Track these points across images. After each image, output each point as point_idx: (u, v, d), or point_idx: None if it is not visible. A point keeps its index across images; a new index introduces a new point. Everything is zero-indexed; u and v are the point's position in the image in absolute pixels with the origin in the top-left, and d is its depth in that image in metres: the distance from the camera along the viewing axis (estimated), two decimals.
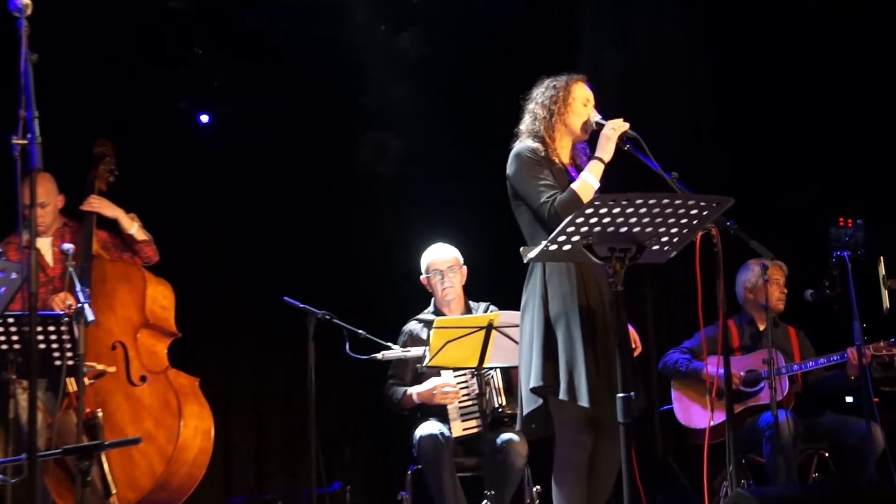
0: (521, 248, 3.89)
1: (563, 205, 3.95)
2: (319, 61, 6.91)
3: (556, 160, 4.19)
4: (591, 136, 4.21)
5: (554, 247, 3.52)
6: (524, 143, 4.21)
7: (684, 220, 3.51)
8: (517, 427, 4.20)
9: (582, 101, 4.21)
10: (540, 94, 4.24)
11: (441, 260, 5.69)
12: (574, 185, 4.02)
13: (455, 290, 5.66)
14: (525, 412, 4.09)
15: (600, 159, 4.06)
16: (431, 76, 7.04)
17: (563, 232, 3.46)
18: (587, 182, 4.02)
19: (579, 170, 4.13)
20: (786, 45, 7.02)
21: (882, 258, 5.47)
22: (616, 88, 6.92)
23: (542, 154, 4.16)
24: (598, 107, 4.27)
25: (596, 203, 3.36)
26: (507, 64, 6.92)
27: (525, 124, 4.27)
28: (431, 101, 7.02)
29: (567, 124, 4.20)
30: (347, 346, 5.15)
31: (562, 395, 3.92)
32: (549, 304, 4.04)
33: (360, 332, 5.25)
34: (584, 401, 3.89)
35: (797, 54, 7.01)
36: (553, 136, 4.19)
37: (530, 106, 4.27)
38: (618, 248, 3.53)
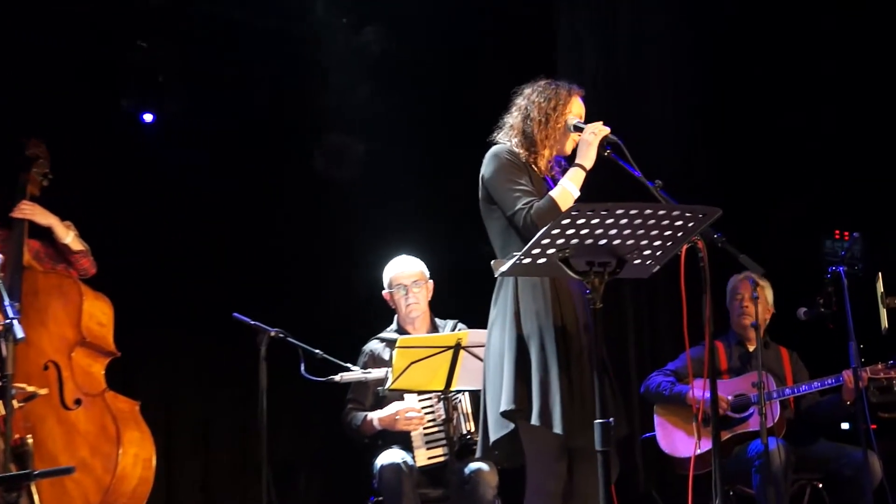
0: (493, 262, 3.89)
1: (541, 213, 3.96)
2: (275, 56, 6.91)
3: (536, 168, 4.21)
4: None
5: (528, 260, 3.52)
6: (505, 143, 4.23)
7: (668, 232, 3.53)
8: (477, 454, 4.20)
9: (577, 116, 4.24)
10: (536, 94, 4.24)
11: (405, 274, 5.69)
12: (553, 193, 4.03)
13: (420, 306, 5.66)
14: (492, 438, 4.08)
15: (581, 166, 4.08)
16: (397, 74, 7.06)
17: (537, 244, 3.47)
18: (567, 190, 4.04)
19: (556, 182, 4.16)
20: (777, 43, 7.11)
21: (880, 274, 5.51)
22: (596, 90, 6.98)
23: (523, 159, 4.18)
24: None
25: (573, 213, 3.37)
26: (479, 62, 6.98)
27: (514, 119, 4.26)
28: (396, 101, 7.03)
29: (557, 134, 4.22)
30: (303, 367, 5.14)
31: (534, 420, 3.92)
32: (521, 321, 4.05)
33: (317, 351, 5.24)
34: (557, 427, 3.89)
35: (790, 52, 7.09)
36: (541, 141, 4.20)
37: (522, 102, 4.27)
38: (597, 262, 3.54)
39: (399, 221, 6.89)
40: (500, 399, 4.00)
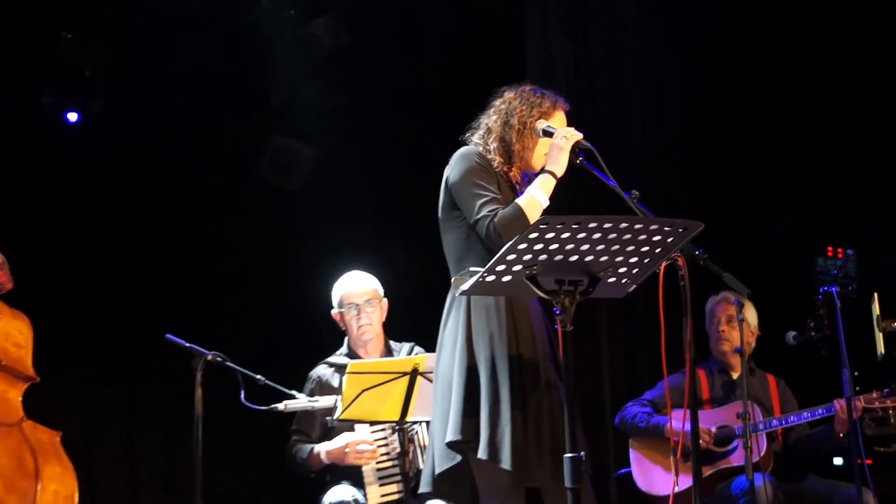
0: (454, 279, 3.90)
1: (505, 222, 3.96)
2: (215, 51, 6.89)
3: (509, 178, 4.23)
4: None
5: (491, 278, 3.53)
6: (478, 145, 4.25)
7: (646, 248, 3.55)
8: (422, 488, 4.20)
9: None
10: (520, 100, 4.26)
11: (357, 291, 5.68)
12: (520, 201, 4.04)
13: (373, 327, 5.66)
14: (437, 470, 4.07)
15: (552, 173, 4.09)
16: (350, 72, 7.07)
17: (501, 260, 3.47)
18: (535, 198, 4.05)
19: None
20: (766, 45, 7.20)
21: (876, 295, 5.53)
22: (568, 93, 6.97)
23: (496, 167, 4.20)
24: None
25: (542, 226, 3.38)
26: (441, 59, 6.99)
27: (491, 122, 4.27)
28: (350, 101, 7.05)
29: (534, 147, 4.23)
30: (243, 395, 5.11)
31: (481, 454, 3.92)
32: (472, 345, 4.06)
33: (259, 377, 5.21)
34: (506, 463, 3.89)
35: (779, 55, 7.18)
36: (518, 152, 4.22)
37: (502, 106, 4.28)
38: (567, 281, 3.55)
39: (352, 234, 6.89)
40: (447, 428, 4.00)
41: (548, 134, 4.18)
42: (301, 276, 6.90)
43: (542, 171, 4.14)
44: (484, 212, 4.02)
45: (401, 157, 7.00)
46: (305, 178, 7.21)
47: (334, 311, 5.73)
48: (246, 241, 7.08)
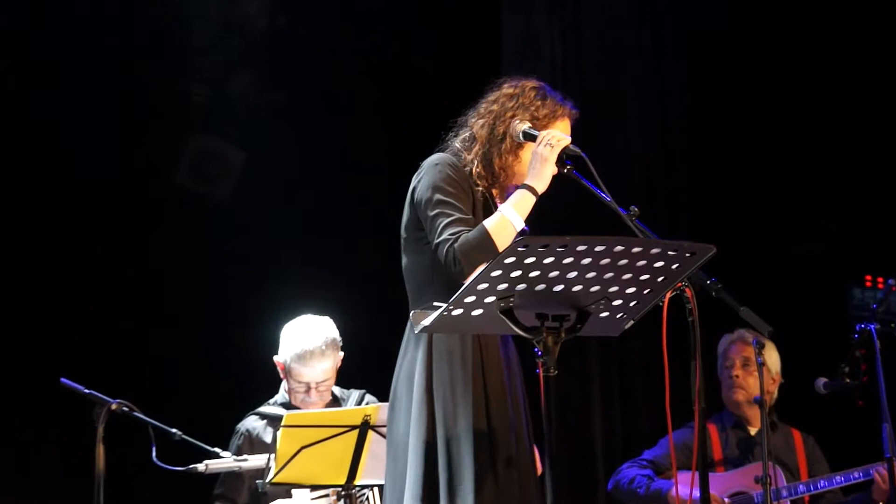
0: (413, 313, 3.89)
1: (467, 248, 3.95)
2: (126, 32, 6.89)
3: (489, 198, 4.24)
4: None
5: (458, 311, 3.51)
6: (455, 153, 4.26)
7: (646, 276, 3.54)
8: None
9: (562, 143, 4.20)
10: (514, 101, 4.27)
11: (314, 372, 5.59)
12: (488, 223, 4.01)
13: (320, 404, 5.65)
14: None
15: (531, 188, 4.07)
16: (290, 59, 7.08)
17: (471, 290, 3.45)
18: (507, 220, 4.02)
19: None
20: (793, 34, 7.28)
21: None
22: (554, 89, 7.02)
23: (475, 181, 4.20)
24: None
25: (521, 248, 3.36)
26: (401, 43, 7.02)
27: (477, 127, 4.28)
28: (289, 95, 7.06)
29: (522, 156, 4.23)
30: (154, 452, 5.07)
31: None
32: (433, 395, 4.07)
33: (174, 430, 5.19)
34: None
35: (807, 45, 7.26)
36: (505, 167, 4.23)
37: (494, 105, 4.28)
38: (550, 316, 3.54)
39: (293, 256, 6.90)
40: (402, 495, 4.03)
41: (529, 137, 4.17)
42: (229, 307, 6.89)
43: (519, 186, 4.12)
44: (446, 234, 4.02)
45: (354, 162, 7.01)
46: (234, 188, 7.18)
47: (276, 358, 5.71)
48: (160, 264, 7.03)
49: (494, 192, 4.26)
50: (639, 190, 6.82)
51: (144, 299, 6.99)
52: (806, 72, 7.18)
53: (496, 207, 4.18)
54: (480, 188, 4.20)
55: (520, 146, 4.21)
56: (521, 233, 4.02)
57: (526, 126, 4.19)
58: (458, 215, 4.06)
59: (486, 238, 3.96)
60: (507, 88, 4.30)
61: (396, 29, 7.17)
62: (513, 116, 4.22)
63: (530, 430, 4.16)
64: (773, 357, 6.00)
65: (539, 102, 4.26)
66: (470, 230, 4.02)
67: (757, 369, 5.50)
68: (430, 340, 4.09)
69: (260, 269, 6.90)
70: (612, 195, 3.96)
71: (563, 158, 4.07)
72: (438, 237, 4.02)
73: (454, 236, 4.00)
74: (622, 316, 3.69)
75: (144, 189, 7.05)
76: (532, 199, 4.07)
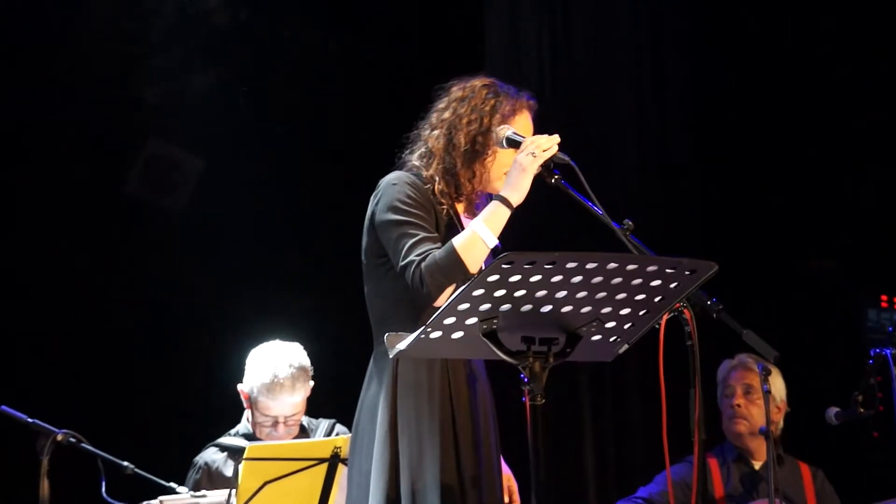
0: (387, 336, 3.87)
1: (435, 269, 3.97)
2: (69, 26, 6.90)
3: (454, 215, 4.25)
4: None
5: (437, 334, 3.51)
6: (414, 169, 4.27)
7: (642, 296, 3.55)
8: None
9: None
10: (469, 106, 4.27)
11: (283, 406, 5.61)
12: (457, 240, 4.00)
13: (292, 431, 5.66)
14: None
15: (505, 201, 4.06)
16: (253, 58, 7.10)
17: (451, 311, 3.45)
18: (477, 236, 4.00)
19: None
20: (806, 30, 7.34)
21: None
22: (542, 89, 7.02)
23: (439, 199, 4.21)
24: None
25: (505, 266, 3.35)
26: (376, 40, 7.04)
27: (433, 139, 4.28)
28: (251, 97, 7.08)
29: (493, 164, 4.24)
30: (104, 487, 5.08)
31: None
32: (397, 431, 4.09)
33: (126, 463, 5.19)
34: None
35: (822, 43, 7.33)
36: (472, 178, 4.24)
37: (446, 114, 4.28)
38: (538, 339, 3.54)
39: (256, 273, 6.93)
40: None
41: (513, 144, 4.17)
42: (186, 329, 6.90)
43: (493, 197, 4.11)
44: (412, 255, 4.02)
45: (322, 170, 7.05)
46: (191, 197, 7.17)
47: (242, 388, 5.71)
48: (110, 280, 7.04)
49: (459, 207, 4.28)
50: (634, 202, 6.83)
51: (92, 322, 6.98)
52: (820, 80, 7.23)
53: (462, 226, 4.19)
54: (444, 206, 4.21)
55: (483, 153, 4.21)
56: (494, 251, 4.02)
57: (510, 132, 4.19)
58: (422, 234, 4.07)
59: (454, 257, 3.96)
60: (456, 92, 4.31)
61: (368, 22, 7.21)
62: (470, 120, 4.21)
63: (500, 473, 4.18)
64: (778, 384, 5.99)
65: (492, 99, 4.26)
66: (436, 248, 4.03)
67: (762, 397, 5.53)
68: (395, 372, 4.10)
69: (221, 284, 6.92)
70: (604, 206, 3.96)
71: (551, 167, 4.05)
72: (404, 259, 4.03)
73: (420, 257, 4.00)
74: (616, 339, 3.69)
75: (92, 201, 7.04)
76: (506, 214, 4.05)
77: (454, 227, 4.20)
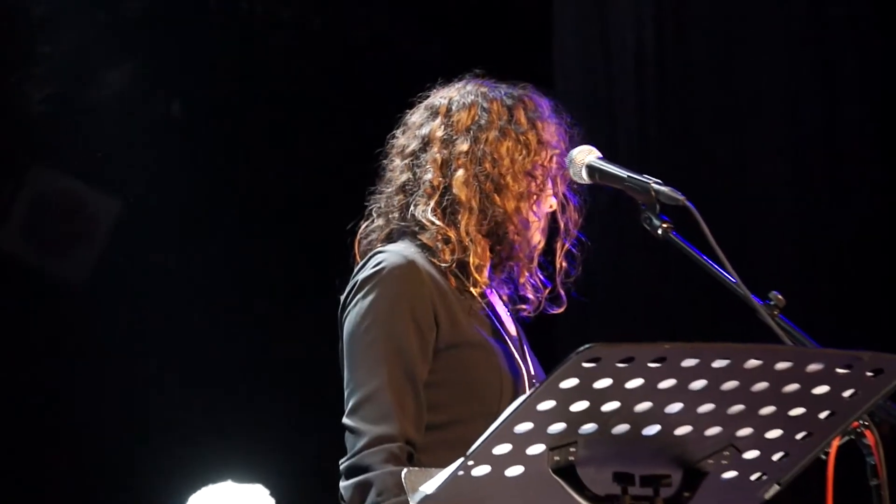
0: (404, 472, 3.81)
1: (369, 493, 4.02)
2: None
3: (472, 285, 4.31)
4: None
5: (483, 469, 3.38)
6: (413, 245, 4.30)
7: (800, 410, 3.45)
8: None
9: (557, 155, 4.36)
10: (488, 128, 4.30)
11: None
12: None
13: None
14: None
15: None
16: (188, 57, 7.23)
17: (504, 434, 3.32)
18: None
19: (499, 317, 4.36)
20: None
21: None
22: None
23: (466, 285, 4.27)
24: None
25: (586, 364, 3.20)
26: (365, 35, 7.45)
27: (457, 186, 4.27)
28: (186, 112, 7.27)
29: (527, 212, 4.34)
30: None
31: None
32: None
33: None
34: None
35: None
36: (480, 238, 4.30)
37: (462, 146, 4.29)
38: (639, 477, 3.46)
39: (192, 362, 7.13)
40: None
41: (609, 178, 4.20)
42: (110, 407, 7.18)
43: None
44: (361, 443, 4.08)
45: (282, 214, 7.21)
46: (98, 255, 7.04)
47: None
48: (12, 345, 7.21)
49: (470, 287, 4.32)
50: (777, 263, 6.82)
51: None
52: None
53: (498, 315, 4.35)
54: (474, 290, 4.29)
55: (540, 195, 4.33)
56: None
57: (593, 157, 4.18)
58: (389, 409, 4.12)
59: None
60: (454, 93, 4.38)
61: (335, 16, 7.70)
62: (508, 150, 4.26)
63: None
64: None
65: (521, 109, 4.35)
66: (401, 448, 4.05)
67: None
68: None
69: (138, 379, 7.21)
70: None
71: (656, 210, 3.97)
72: (355, 443, 4.08)
73: (377, 452, 4.06)
74: (760, 477, 3.61)
75: None
76: None
77: (482, 319, 4.33)
